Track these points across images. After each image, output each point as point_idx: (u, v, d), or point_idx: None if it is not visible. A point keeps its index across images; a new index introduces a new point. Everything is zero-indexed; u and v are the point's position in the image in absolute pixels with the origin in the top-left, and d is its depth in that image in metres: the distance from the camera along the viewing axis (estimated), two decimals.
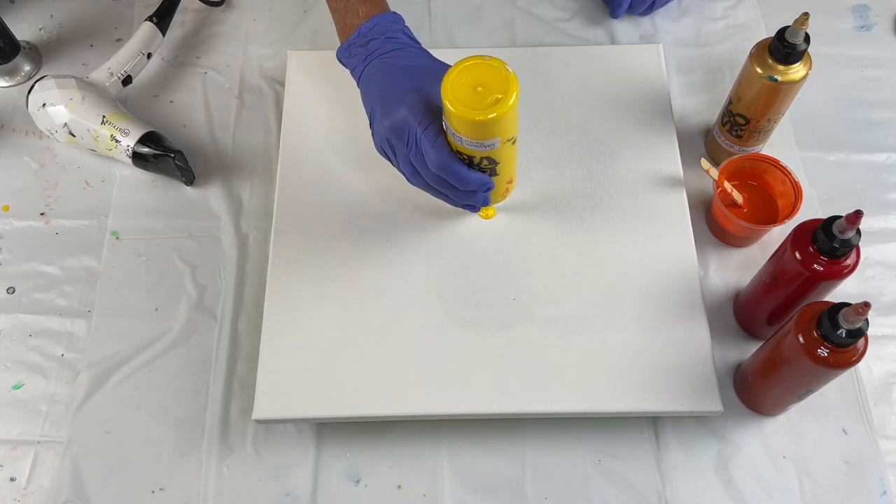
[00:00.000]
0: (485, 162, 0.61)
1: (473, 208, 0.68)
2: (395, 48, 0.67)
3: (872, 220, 0.78)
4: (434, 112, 0.61)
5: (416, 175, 0.64)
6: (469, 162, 0.62)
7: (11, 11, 0.91)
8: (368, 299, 0.69)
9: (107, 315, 0.73)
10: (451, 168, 0.61)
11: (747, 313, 0.71)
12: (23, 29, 0.89)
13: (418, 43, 0.69)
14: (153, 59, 0.85)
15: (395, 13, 0.69)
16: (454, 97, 0.56)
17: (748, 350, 0.70)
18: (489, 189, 0.64)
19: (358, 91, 0.68)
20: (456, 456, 0.67)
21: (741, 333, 0.72)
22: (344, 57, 0.70)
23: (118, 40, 0.89)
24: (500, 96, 0.56)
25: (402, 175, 0.66)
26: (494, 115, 0.56)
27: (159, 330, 0.72)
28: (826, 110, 0.84)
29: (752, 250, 0.76)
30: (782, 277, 0.63)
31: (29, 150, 0.82)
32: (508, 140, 0.60)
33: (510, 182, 0.67)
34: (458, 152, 0.61)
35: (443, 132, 0.60)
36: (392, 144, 0.64)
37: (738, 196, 0.73)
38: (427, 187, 0.65)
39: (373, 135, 0.66)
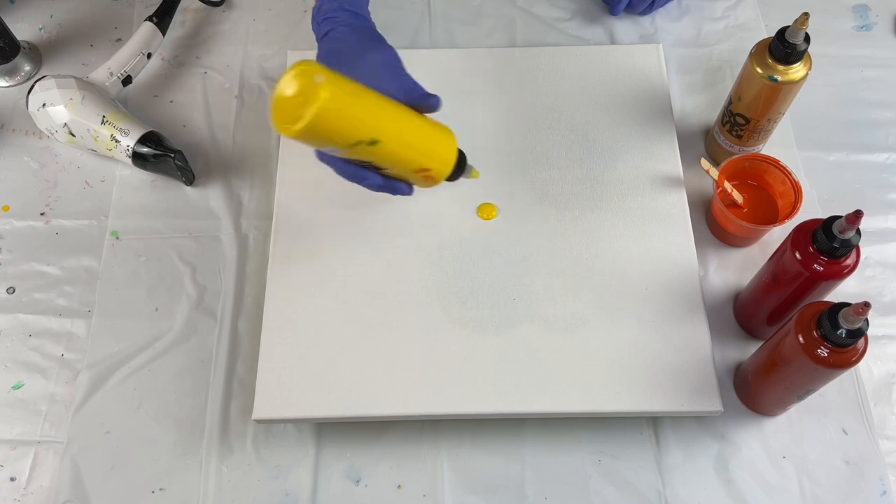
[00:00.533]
0: (357, 160, 0.60)
1: (405, 192, 0.65)
2: (328, 30, 0.67)
3: (872, 220, 0.78)
4: None
5: None
6: None
7: (11, 11, 0.91)
8: (368, 299, 0.69)
9: (107, 315, 0.73)
10: (327, 158, 0.61)
11: (747, 313, 0.71)
12: (23, 29, 0.89)
13: (359, 16, 0.68)
14: (153, 59, 0.85)
15: None
16: (276, 99, 0.54)
17: (748, 350, 0.70)
18: (370, 184, 0.62)
19: None
20: (456, 456, 0.67)
21: (741, 333, 0.72)
22: (315, 34, 0.70)
23: (118, 40, 0.89)
24: (304, 109, 0.52)
25: None
26: (298, 128, 0.52)
27: (159, 330, 0.72)
28: (826, 110, 0.84)
29: (752, 250, 0.76)
30: (782, 277, 0.63)
31: (29, 150, 0.82)
32: (356, 144, 0.56)
33: (425, 171, 0.62)
34: None
35: None
36: None
37: (738, 196, 0.73)
38: None
39: None
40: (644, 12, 0.89)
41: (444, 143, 0.64)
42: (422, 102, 0.62)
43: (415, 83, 0.63)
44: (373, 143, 0.57)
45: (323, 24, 0.67)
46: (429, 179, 0.64)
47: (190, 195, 0.79)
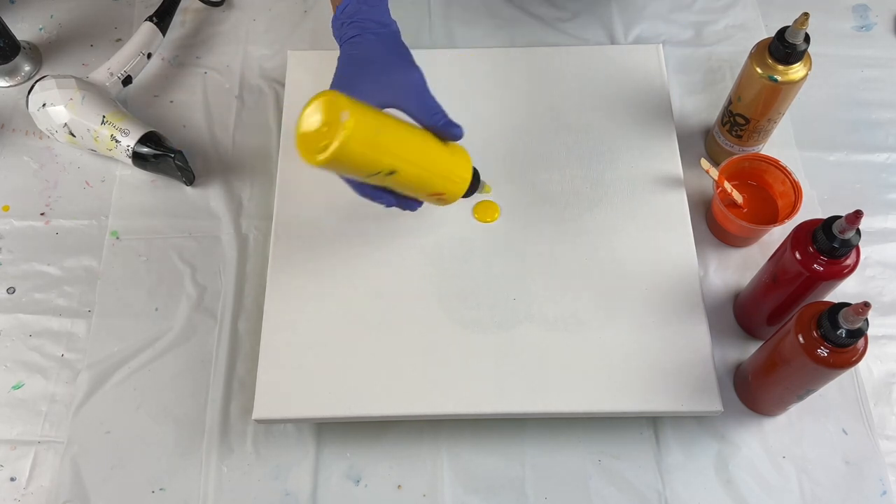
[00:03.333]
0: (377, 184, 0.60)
1: (413, 209, 0.66)
2: (354, 34, 0.66)
3: (872, 220, 0.78)
4: None
5: None
6: None
7: (11, 11, 0.91)
8: (368, 299, 0.69)
9: (107, 315, 0.73)
10: (344, 178, 0.61)
11: (747, 313, 0.71)
12: (23, 29, 0.89)
13: (388, 26, 0.67)
14: (153, 59, 0.85)
15: None
16: (300, 131, 0.54)
17: (748, 350, 0.70)
18: (389, 205, 0.63)
19: None
20: (456, 456, 0.67)
21: (741, 333, 0.72)
22: (335, 35, 0.69)
23: (118, 40, 0.89)
24: (327, 143, 0.53)
25: None
26: (322, 159, 0.53)
27: (159, 330, 0.72)
28: (826, 110, 0.84)
29: (752, 250, 0.76)
30: (782, 277, 0.63)
31: (29, 150, 0.82)
32: (375, 174, 0.57)
33: (439, 194, 0.64)
34: None
35: None
36: None
37: (738, 196, 0.73)
38: None
39: None
40: None
41: (459, 167, 0.64)
42: (444, 131, 0.62)
43: (438, 108, 0.62)
44: (391, 173, 0.58)
45: (349, 27, 0.66)
46: (442, 201, 0.66)
47: (190, 195, 0.79)
